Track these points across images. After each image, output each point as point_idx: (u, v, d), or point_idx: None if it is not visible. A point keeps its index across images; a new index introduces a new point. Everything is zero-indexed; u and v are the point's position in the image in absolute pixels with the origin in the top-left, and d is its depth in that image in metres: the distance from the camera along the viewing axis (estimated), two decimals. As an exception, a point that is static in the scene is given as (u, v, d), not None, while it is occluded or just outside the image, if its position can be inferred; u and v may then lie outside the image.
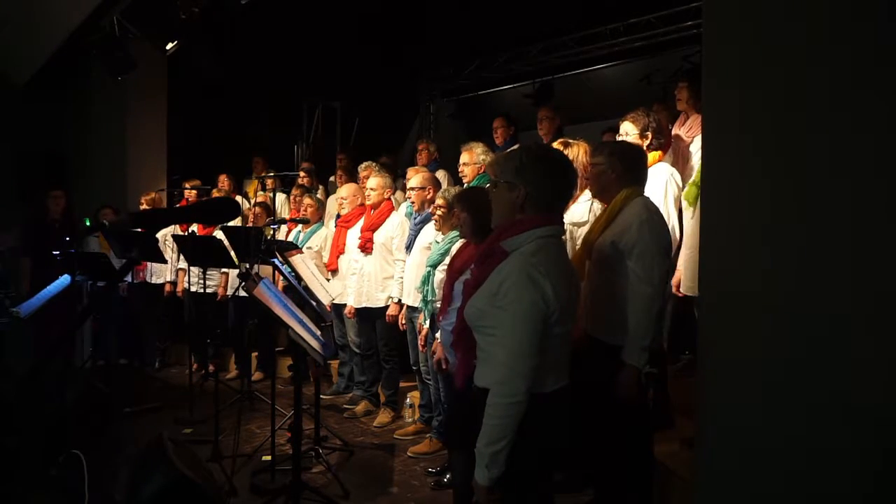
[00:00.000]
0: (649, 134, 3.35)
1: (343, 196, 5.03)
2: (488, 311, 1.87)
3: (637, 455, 2.66)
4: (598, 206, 3.08)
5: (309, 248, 5.24)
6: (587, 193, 3.24)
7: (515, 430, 1.78)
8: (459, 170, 4.30)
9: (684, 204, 3.45)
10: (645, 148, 3.33)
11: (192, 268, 5.44)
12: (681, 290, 3.49)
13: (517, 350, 1.79)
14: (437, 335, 3.60)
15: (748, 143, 2.04)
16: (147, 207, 6.22)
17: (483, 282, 1.92)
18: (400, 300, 4.38)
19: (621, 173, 2.64)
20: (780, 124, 1.95)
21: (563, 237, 2.11)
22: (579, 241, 2.93)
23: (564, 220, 3.17)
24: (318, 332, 3.34)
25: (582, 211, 3.28)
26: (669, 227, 3.33)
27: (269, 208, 5.86)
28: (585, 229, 3.01)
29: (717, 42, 2.16)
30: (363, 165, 5.39)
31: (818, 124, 1.88)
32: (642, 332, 2.46)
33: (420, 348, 4.01)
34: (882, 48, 1.76)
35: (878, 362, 1.75)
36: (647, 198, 2.70)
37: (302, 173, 6.44)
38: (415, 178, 4.32)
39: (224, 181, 6.70)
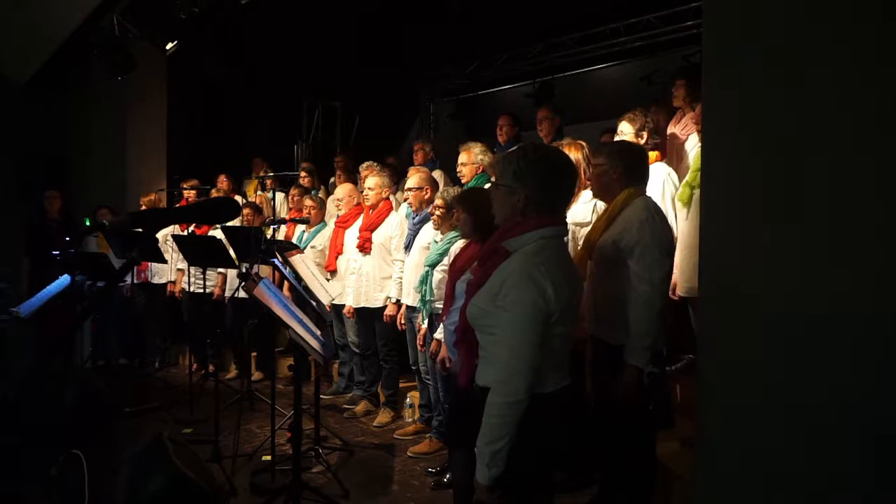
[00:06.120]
0: (644, 133, 3.34)
1: (339, 197, 5.04)
2: (490, 311, 1.87)
3: (639, 456, 2.66)
4: (601, 206, 3.07)
5: (313, 247, 5.25)
6: (588, 193, 3.24)
7: (516, 430, 1.78)
8: (458, 170, 4.29)
9: (678, 205, 3.44)
10: (640, 147, 3.33)
11: (191, 268, 5.44)
12: (678, 291, 3.47)
13: (518, 349, 1.79)
14: (436, 334, 3.60)
15: (748, 143, 2.04)
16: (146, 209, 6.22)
17: (485, 281, 1.92)
18: (398, 300, 4.38)
19: (622, 173, 2.63)
20: (780, 124, 1.95)
21: (566, 237, 2.11)
22: (581, 241, 2.92)
23: (567, 220, 3.19)
24: (319, 332, 3.34)
25: (585, 211, 3.27)
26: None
27: (259, 209, 5.86)
28: (588, 229, 3.00)
29: (717, 42, 2.16)
30: (364, 165, 5.40)
31: (818, 124, 1.88)
32: (643, 331, 2.46)
33: (419, 348, 4.01)
34: (882, 48, 1.76)
35: (877, 362, 1.75)
36: (649, 198, 2.69)
37: (303, 173, 6.44)
38: (412, 178, 4.32)
39: (223, 181, 6.70)
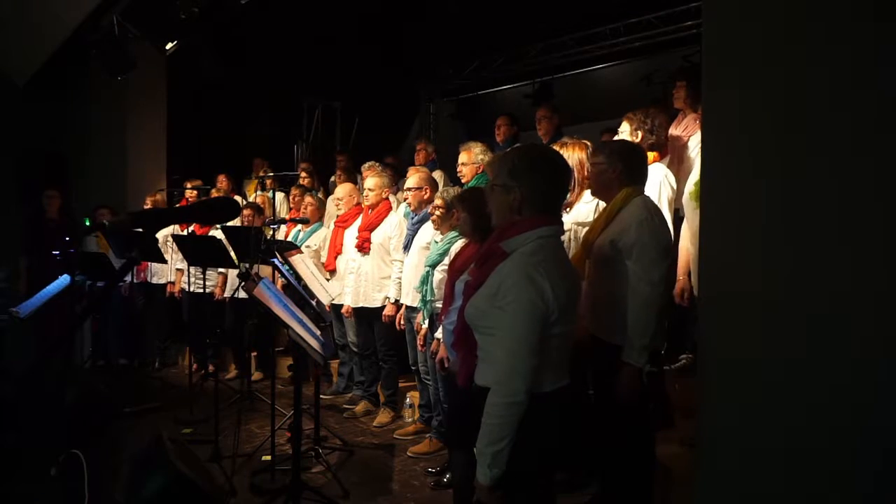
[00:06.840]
0: (640, 133, 3.33)
1: (339, 197, 5.04)
2: (488, 312, 1.87)
3: (639, 455, 2.66)
4: (603, 206, 3.07)
5: (307, 246, 5.25)
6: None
7: (516, 430, 1.78)
8: (458, 170, 4.30)
9: (693, 204, 3.42)
10: (638, 147, 3.31)
11: (191, 268, 5.43)
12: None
13: (516, 350, 1.79)
14: (437, 334, 3.60)
15: (748, 143, 2.04)
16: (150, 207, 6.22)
17: (483, 282, 1.92)
18: (397, 300, 4.38)
19: (621, 172, 2.63)
20: (780, 124, 1.95)
21: (565, 237, 2.10)
22: (582, 241, 2.92)
23: (569, 220, 3.20)
24: (318, 332, 3.34)
25: (587, 211, 3.27)
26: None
27: (260, 209, 5.87)
28: (589, 229, 2.99)
29: (717, 42, 2.16)
30: (366, 165, 5.39)
31: (818, 124, 1.88)
32: (641, 330, 2.46)
33: (419, 348, 4.01)
34: (882, 48, 1.76)
35: (878, 362, 1.75)
36: (648, 197, 2.69)
37: (303, 173, 6.44)
38: (412, 178, 4.32)
39: (222, 181, 6.71)
